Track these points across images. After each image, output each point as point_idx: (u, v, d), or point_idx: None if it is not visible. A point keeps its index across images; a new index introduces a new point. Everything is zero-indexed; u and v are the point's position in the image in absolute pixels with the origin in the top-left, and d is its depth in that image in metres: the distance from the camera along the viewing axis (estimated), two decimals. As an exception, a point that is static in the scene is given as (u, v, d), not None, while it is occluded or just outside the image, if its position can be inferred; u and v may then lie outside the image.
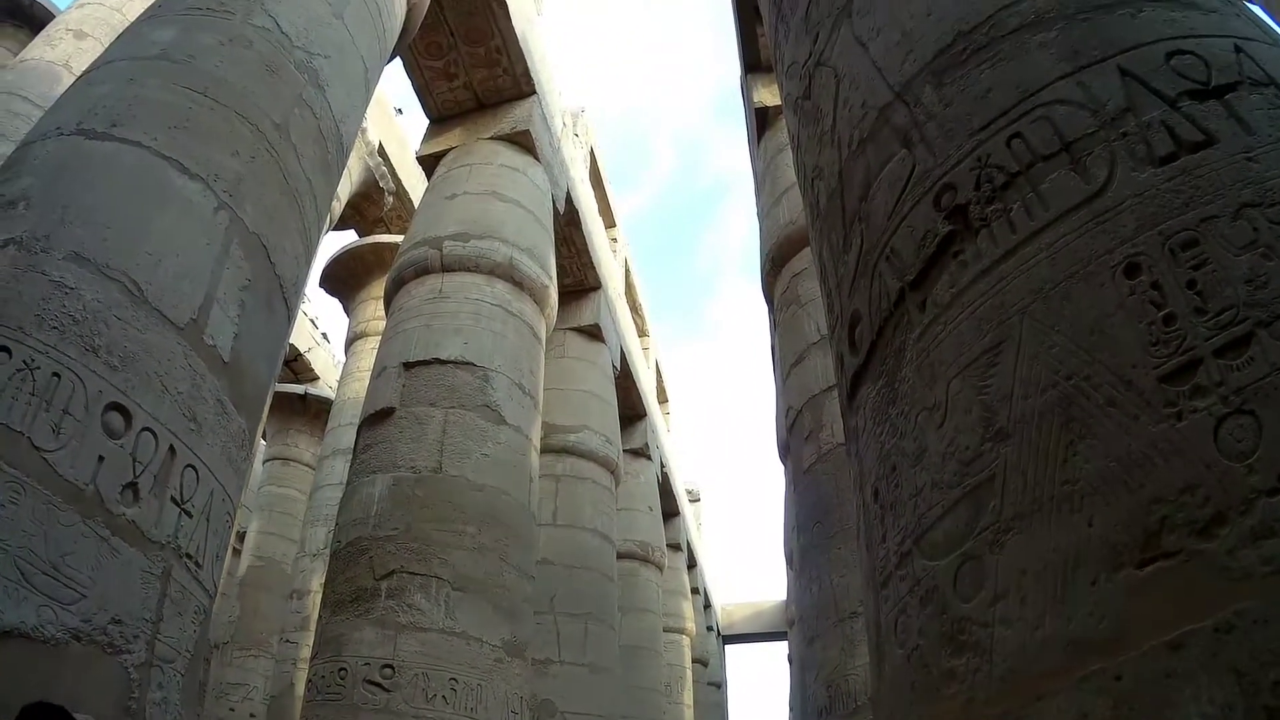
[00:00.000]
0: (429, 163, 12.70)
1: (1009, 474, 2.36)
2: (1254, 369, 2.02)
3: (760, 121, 12.95)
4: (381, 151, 17.39)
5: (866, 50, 3.89)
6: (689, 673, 22.28)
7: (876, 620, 2.92)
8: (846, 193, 3.70)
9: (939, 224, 2.95)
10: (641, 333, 23.52)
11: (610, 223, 20.49)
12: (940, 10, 3.53)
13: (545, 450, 12.74)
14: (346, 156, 7.48)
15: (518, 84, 12.78)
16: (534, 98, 12.94)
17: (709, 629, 30.61)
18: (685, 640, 22.22)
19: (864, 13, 4.04)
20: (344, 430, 16.73)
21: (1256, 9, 10.77)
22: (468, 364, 9.49)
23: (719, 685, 30.91)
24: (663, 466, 21.58)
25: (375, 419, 9.19)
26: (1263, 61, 2.77)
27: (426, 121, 13.14)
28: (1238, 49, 2.80)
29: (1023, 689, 2.16)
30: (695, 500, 34.35)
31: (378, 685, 7.07)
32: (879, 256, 3.28)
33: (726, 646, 35.31)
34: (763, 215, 12.74)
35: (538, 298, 11.17)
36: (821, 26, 4.42)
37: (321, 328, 25.53)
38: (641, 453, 19.68)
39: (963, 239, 2.85)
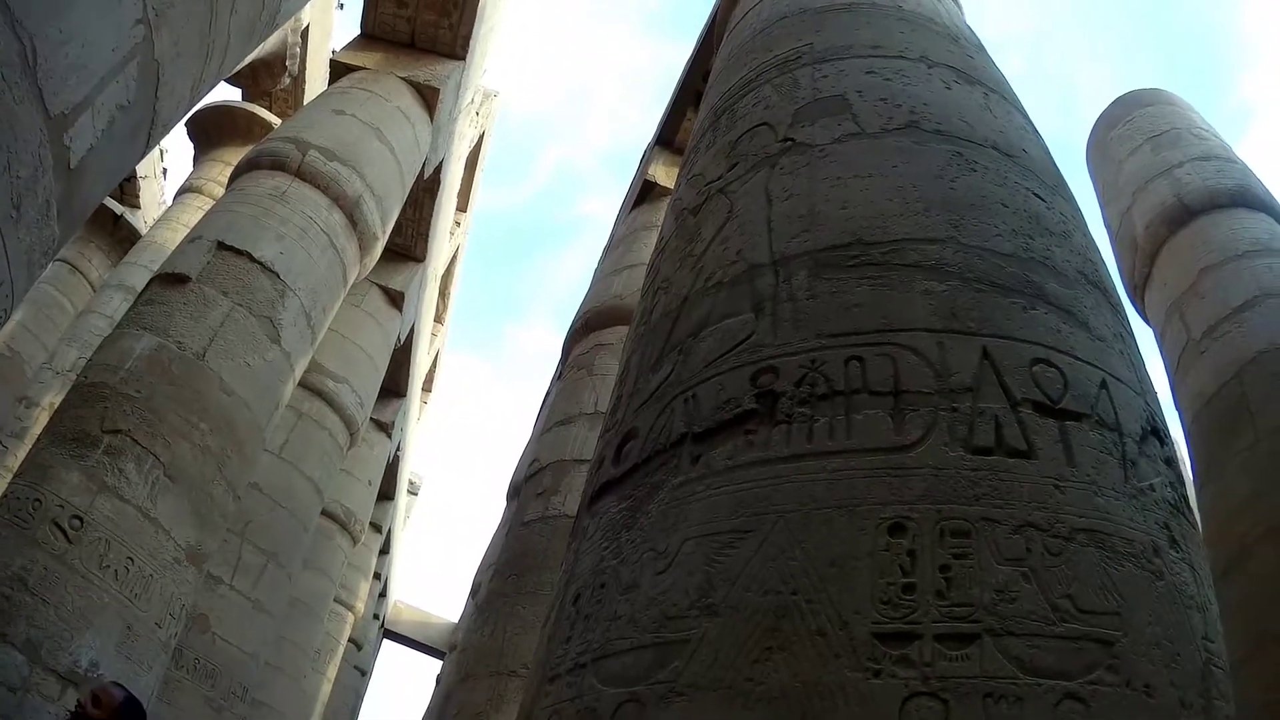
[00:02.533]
0: (339, 69, 12.46)
1: (702, 647, 2.42)
2: (965, 666, 2.15)
3: (643, 192, 13.40)
4: (304, 34, 16.89)
5: (770, 206, 3.93)
6: (341, 649, 21.82)
7: (531, 710, 2.98)
8: (681, 320, 3.73)
9: (746, 398, 3.02)
10: (438, 319, 23.36)
11: (463, 207, 20.45)
12: (855, 210, 3.61)
13: (301, 384, 12.49)
14: (271, 32, 7.33)
15: (454, 44, 12.77)
16: (461, 64, 12.94)
17: (375, 617, 30.14)
18: (350, 618, 21.77)
19: (788, 171, 4.09)
20: (138, 269, 16.08)
21: (1152, 339, 11.06)
22: (273, 273, 9.34)
23: (364, 672, 30.26)
24: (398, 449, 21.34)
25: (169, 280, 8.87)
26: (1120, 405, 2.87)
27: (358, 31, 12.92)
28: (1103, 385, 2.90)
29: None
30: (414, 493, 33.93)
31: (63, 532, 6.77)
32: (680, 394, 3.31)
33: (385, 641, 34.76)
34: (598, 276, 13.09)
35: (364, 245, 11.13)
36: (744, 160, 4.44)
37: (166, 161, 24.09)
38: (385, 428, 19.43)
39: (760, 422, 2.91)
